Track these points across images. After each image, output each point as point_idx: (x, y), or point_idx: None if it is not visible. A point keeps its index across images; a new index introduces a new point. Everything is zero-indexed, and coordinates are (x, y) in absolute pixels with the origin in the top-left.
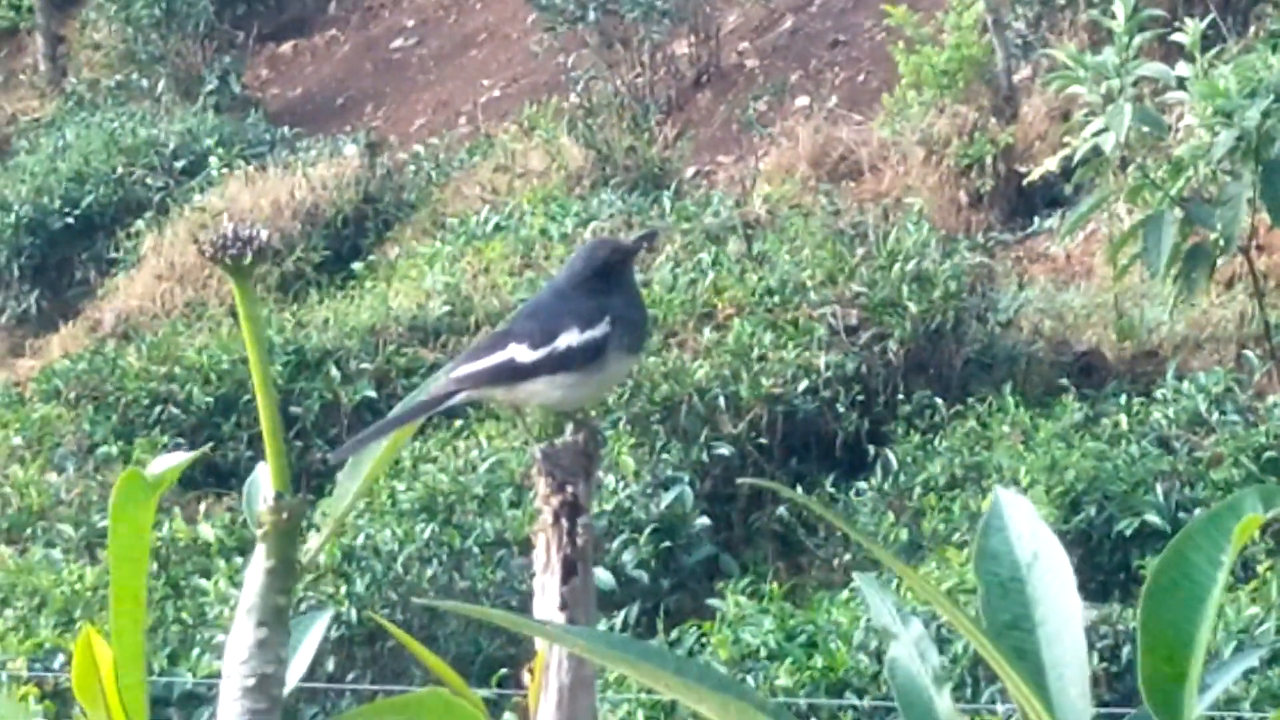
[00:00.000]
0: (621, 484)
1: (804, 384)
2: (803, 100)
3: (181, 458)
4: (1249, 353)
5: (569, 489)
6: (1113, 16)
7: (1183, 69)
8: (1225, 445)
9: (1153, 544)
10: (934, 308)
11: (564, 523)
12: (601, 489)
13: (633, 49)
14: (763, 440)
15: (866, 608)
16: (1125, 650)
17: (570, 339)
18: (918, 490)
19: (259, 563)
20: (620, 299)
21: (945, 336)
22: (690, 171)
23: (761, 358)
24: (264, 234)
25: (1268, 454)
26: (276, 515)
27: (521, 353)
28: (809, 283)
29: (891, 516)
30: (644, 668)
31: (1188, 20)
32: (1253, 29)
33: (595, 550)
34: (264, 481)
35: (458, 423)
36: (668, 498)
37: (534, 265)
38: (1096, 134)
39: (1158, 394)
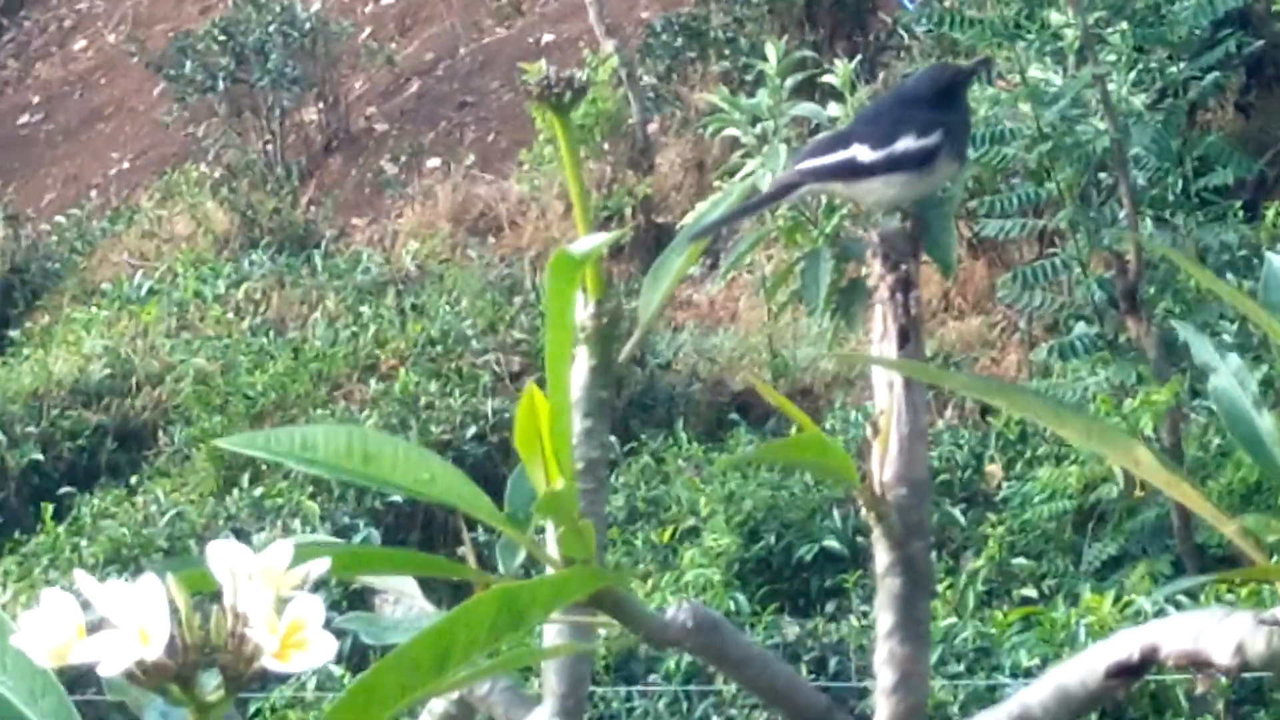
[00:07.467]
0: (308, 529)
1: (472, 429)
2: (434, 161)
3: (603, 237)
4: None
5: (902, 267)
6: (751, 66)
7: (834, 109)
8: None
9: (832, 568)
10: None
11: (899, 296)
12: (294, 533)
13: (263, 116)
14: None
15: None
16: (832, 662)
17: (907, 144)
18: None
19: (583, 362)
20: (955, 115)
21: None
22: (331, 233)
23: (429, 405)
24: (583, 76)
25: (941, 476)
26: (597, 319)
27: (863, 152)
28: (470, 331)
29: None
30: (994, 390)
31: (836, 61)
32: (881, 76)
33: None
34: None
35: (133, 479)
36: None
37: (190, 327)
38: (750, 175)
39: (827, 424)
